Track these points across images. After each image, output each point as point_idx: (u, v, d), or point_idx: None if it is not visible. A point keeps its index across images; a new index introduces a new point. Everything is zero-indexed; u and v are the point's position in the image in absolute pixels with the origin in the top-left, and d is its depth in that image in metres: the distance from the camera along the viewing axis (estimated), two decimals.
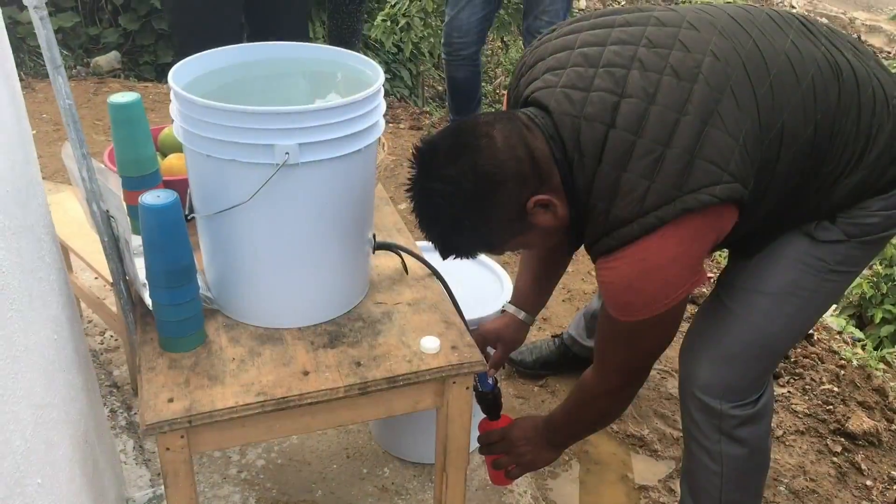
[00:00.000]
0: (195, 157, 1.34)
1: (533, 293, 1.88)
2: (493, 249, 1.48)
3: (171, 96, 1.36)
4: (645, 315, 1.35)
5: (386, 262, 1.64)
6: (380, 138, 1.51)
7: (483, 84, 5.85)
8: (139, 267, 1.41)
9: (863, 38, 8.90)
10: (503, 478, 1.75)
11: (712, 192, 1.25)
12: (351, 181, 1.40)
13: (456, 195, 1.32)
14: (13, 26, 4.51)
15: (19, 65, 4.31)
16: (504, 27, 4.94)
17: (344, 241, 1.43)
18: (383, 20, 4.63)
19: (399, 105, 4.53)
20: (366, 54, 4.89)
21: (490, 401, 1.72)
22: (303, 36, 2.96)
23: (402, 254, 1.63)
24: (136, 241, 1.41)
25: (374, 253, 1.57)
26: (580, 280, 2.79)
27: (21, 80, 4.14)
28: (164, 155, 1.77)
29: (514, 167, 1.32)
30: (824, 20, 10.79)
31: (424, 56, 5.44)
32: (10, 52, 1.32)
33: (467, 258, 1.46)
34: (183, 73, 1.40)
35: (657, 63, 1.31)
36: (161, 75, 4.94)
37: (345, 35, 3.19)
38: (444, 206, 1.34)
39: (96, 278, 2.28)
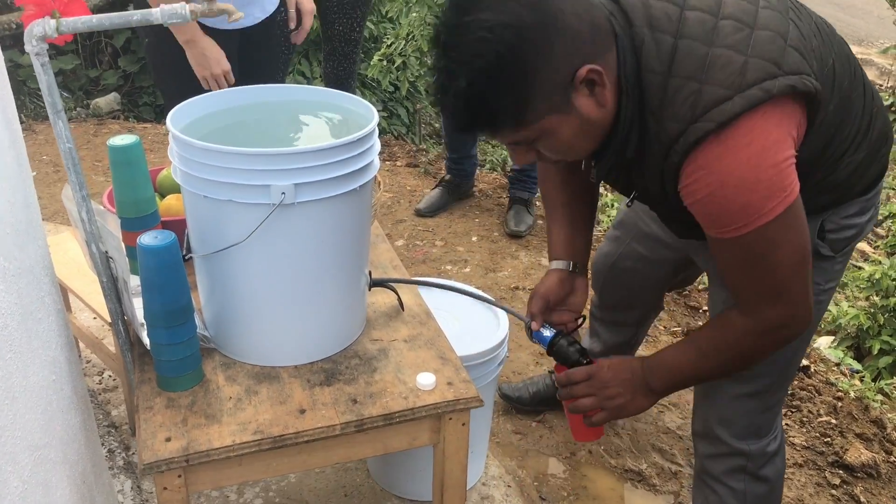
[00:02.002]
0: (193, 198, 1.36)
1: (572, 240, 1.65)
2: (523, 123, 1.21)
3: (170, 138, 1.38)
4: (769, 214, 1.19)
5: (382, 299, 1.65)
6: (376, 177, 1.53)
7: None
8: (137, 307, 1.43)
9: (857, 73, 9.03)
10: (584, 426, 1.56)
11: (809, 80, 1.19)
12: (346, 220, 1.42)
13: (508, 28, 1.12)
14: (14, 69, 4.57)
15: (20, 107, 4.37)
16: None
17: (340, 279, 1.45)
18: (380, 60, 4.68)
19: (396, 143, 4.58)
20: (363, 93, 4.99)
21: (559, 350, 1.55)
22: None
23: (398, 291, 1.64)
24: (135, 282, 1.43)
25: (370, 290, 1.59)
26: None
27: (21, 122, 4.19)
28: (163, 196, 1.80)
29: (575, 21, 1.16)
30: None
31: (421, 94, 5.50)
32: (12, 96, 1.34)
33: (482, 132, 1.27)
34: (181, 115, 1.43)
35: None
36: (160, 116, 4.99)
37: (341, 76, 3.23)
38: (488, 41, 1.12)
39: (95, 318, 2.29)
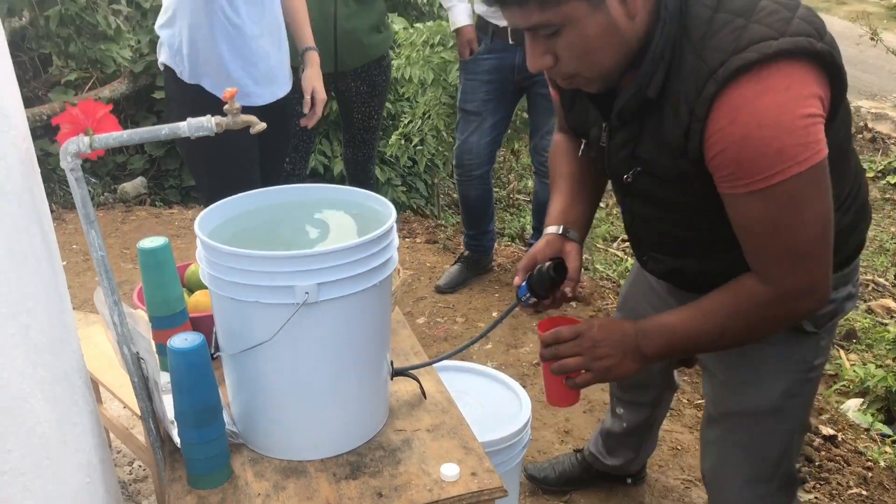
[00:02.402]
0: (220, 300, 1.41)
1: (569, 208, 1.62)
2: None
3: (198, 242, 1.44)
4: (801, 164, 1.17)
5: (404, 388, 1.68)
6: (396, 266, 1.58)
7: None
8: (167, 405, 1.47)
9: (869, 125, 9.07)
10: (563, 390, 1.49)
11: (836, 55, 1.20)
12: (368, 314, 1.46)
13: None
14: (45, 157, 4.71)
15: (50, 193, 4.49)
16: (513, 139, 5.10)
17: (363, 373, 1.49)
18: (398, 138, 4.80)
19: (415, 219, 4.65)
20: (382, 169, 5.09)
21: (532, 281, 1.51)
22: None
23: (420, 379, 1.68)
24: (165, 379, 1.48)
25: (392, 379, 1.62)
26: (600, 390, 2.81)
27: (52, 210, 4.31)
28: (191, 291, 1.85)
29: None
30: None
31: (439, 167, 5.61)
32: (47, 204, 1.41)
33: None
34: (208, 220, 1.49)
35: None
36: (186, 198, 5.11)
37: (360, 161, 3.32)
38: None
39: (124, 408, 2.33)
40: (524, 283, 1.56)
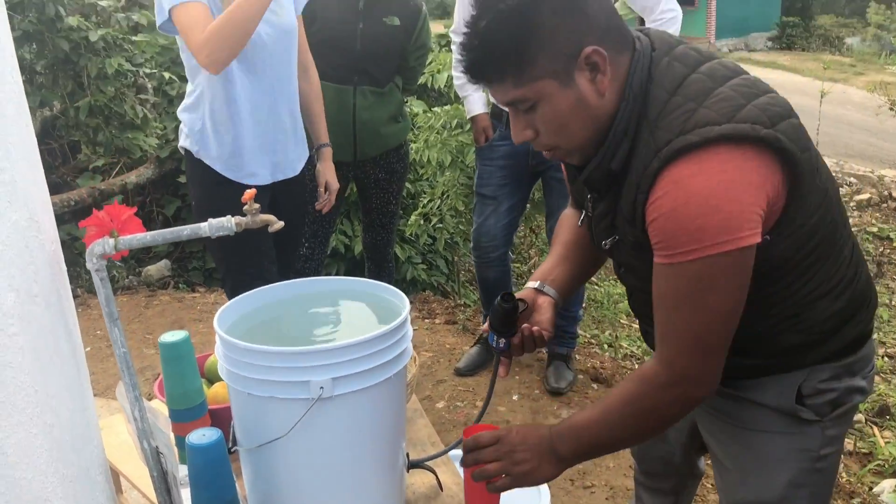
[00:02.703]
0: (237, 395, 1.44)
1: (553, 268, 1.68)
2: (523, 78, 1.28)
3: (216, 338, 1.48)
4: (717, 247, 1.22)
5: (421, 480, 1.69)
6: (412, 354, 1.60)
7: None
8: (186, 498, 1.49)
9: (894, 194, 9.10)
10: (484, 494, 1.49)
11: (794, 147, 1.25)
12: (383, 407, 1.48)
13: None
14: (71, 242, 4.81)
15: (75, 278, 4.57)
16: (533, 217, 5.16)
17: (379, 466, 1.50)
18: (417, 218, 4.87)
19: (434, 299, 4.68)
20: (402, 248, 5.14)
21: (490, 317, 1.57)
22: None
23: (437, 470, 1.68)
24: (183, 472, 1.50)
25: (408, 472, 1.63)
26: (622, 475, 2.78)
27: (77, 295, 4.39)
28: (211, 382, 1.88)
29: (597, 10, 1.28)
30: (853, 180, 11.03)
31: (459, 244, 5.66)
32: (72, 303, 1.46)
33: (487, 75, 1.32)
34: (228, 314, 1.53)
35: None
36: (209, 280, 5.18)
37: (379, 245, 3.38)
38: None
39: (144, 497, 2.34)
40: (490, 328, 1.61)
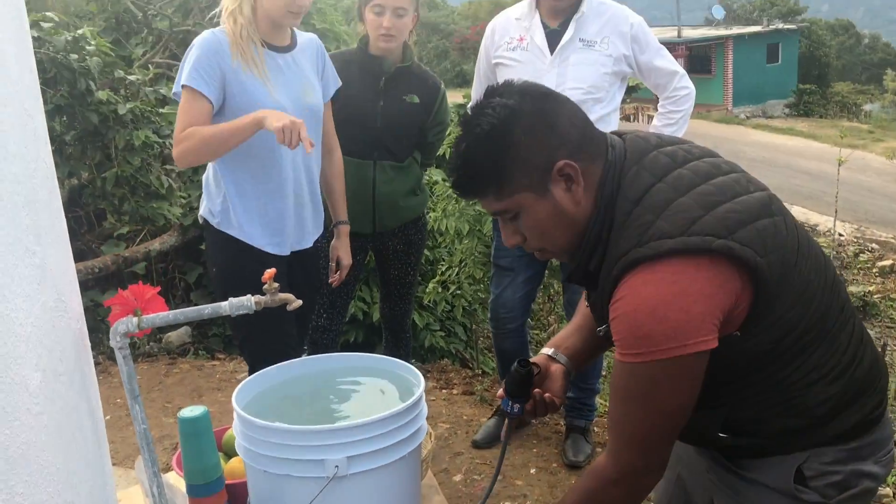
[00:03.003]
0: (254, 472, 1.46)
1: (569, 337, 1.75)
2: (502, 192, 1.40)
3: (234, 415, 1.50)
4: (663, 353, 1.29)
5: None
6: (428, 430, 1.62)
7: (537, 332, 6.05)
8: None
9: None
10: None
11: (752, 254, 1.30)
12: (398, 484, 1.50)
13: (507, 109, 1.37)
14: (94, 308, 4.87)
15: (97, 344, 4.61)
16: (549, 286, 5.19)
17: None
18: (434, 287, 4.91)
19: (452, 368, 4.68)
20: (420, 315, 5.17)
21: (506, 384, 1.64)
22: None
23: None
24: None
25: None
26: None
27: (98, 363, 4.43)
28: (228, 456, 1.90)
29: (567, 124, 1.39)
30: (875, 246, 10.99)
31: (477, 312, 5.68)
32: (95, 380, 1.49)
33: (471, 192, 1.44)
34: (245, 391, 1.56)
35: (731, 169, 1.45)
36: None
37: (397, 315, 3.41)
38: (489, 115, 1.37)
39: None
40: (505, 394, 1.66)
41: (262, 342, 2.53)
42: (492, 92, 1.43)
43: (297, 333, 2.71)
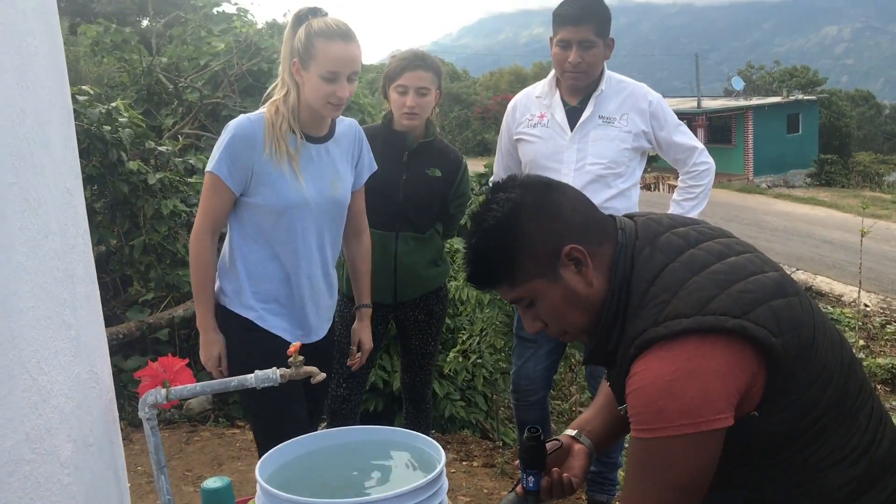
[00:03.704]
0: None
1: (592, 418, 1.76)
2: (515, 280, 1.46)
3: (258, 487, 1.52)
4: (677, 429, 1.31)
5: None
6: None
7: (558, 402, 6.00)
8: None
9: None
10: None
11: (767, 334, 1.32)
12: None
13: (510, 203, 1.44)
14: (117, 374, 4.91)
15: (119, 410, 4.64)
16: (571, 356, 5.17)
17: None
18: (455, 356, 4.91)
19: (472, 439, 4.66)
20: (440, 384, 5.16)
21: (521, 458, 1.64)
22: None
23: None
24: None
25: None
26: None
27: (120, 429, 4.45)
28: None
29: (570, 211, 1.45)
30: None
31: (498, 381, 5.66)
32: (122, 449, 1.52)
33: (486, 283, 1.50)
34: (268, 463, 1.58)
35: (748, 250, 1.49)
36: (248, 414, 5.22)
37: (417, 386, 3.41)
38: (494, 211, 1.44)
39: None
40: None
41: (271, 421, 2.47)
42: (496, 188, 1.50)
43: (311, 414, 2.63)
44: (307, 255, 2.47)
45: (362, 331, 2.80)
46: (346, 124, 2.61)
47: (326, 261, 2.57)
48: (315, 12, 2.39)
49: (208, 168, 2.36)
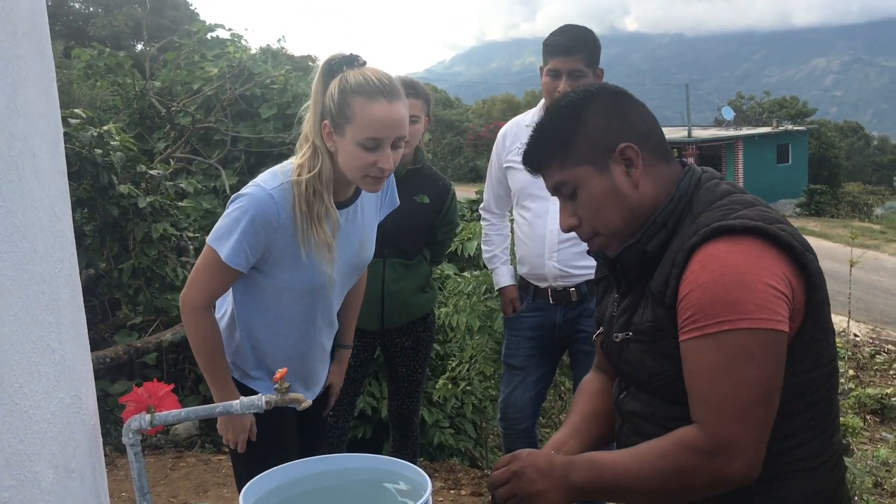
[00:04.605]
0: None
1: (568, 439, 1.68)
2: (566, 161, 1.49)
3: None
4: (753, 322, 1.28)
5: None
6: None
7: (548, 430, 5.98)
8: None
9: None
10: None
11: (815, 265, 1.36)
12: None
13: (587, 93, 1.51)
14: (104, 398, 4.86)
15: (104, 435, 4.59)
16: (560, 384, 5.16)
17: None
18: (444, 383, 4.90)
19: (461, 468, 4.63)
20: (429, 411, 5.13)
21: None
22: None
23: None
24: None
25: None
26: None
27: (105, 454, 4.40)
28: None
29: (637, 119, 1.49)
30: (891, 347, 10.87)
31: (487, 409, 5.64)
32: (105, 476, 1.51)
33: (538, 160, 1.53)
34: (253, 490, 1.56)
35: None
36: None
37: (404, 413, 3.40)
38: (570, 97, 1.51)
39: None
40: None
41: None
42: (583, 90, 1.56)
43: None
44: (312, 320, 2.21)
45: (336, 374, 2.50)
46: None
47: (334, 319, 2.32)
48: (351, 62, 1.97)
49: (215, 247, 1.99)
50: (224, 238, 1.96)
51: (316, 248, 2.01)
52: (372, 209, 2.26)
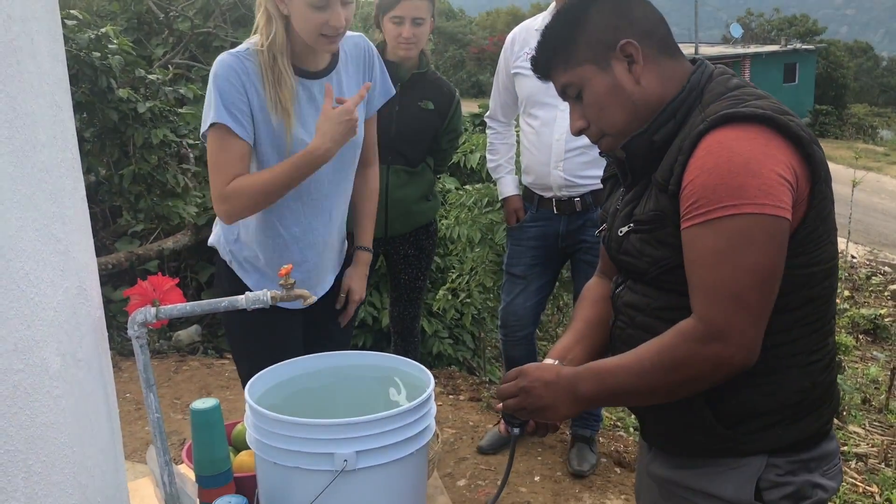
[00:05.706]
0: (264, 464, 1.49)
1: (573, 346, 1.68)
2: (569, 62, 1.50)
3: (246, 407, 1.53)
4: (757, 207, 1.27)
5: None
6: (435, 431, 1.64)
7: (545, 343, 6.05)
8: None
9: None
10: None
11: (823, 159, 1.37)
12: (405, 481, 1.52)
13: None
14: (106, 304, 4.92)
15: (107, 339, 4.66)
16: (560, 295, 5.20)
17: None
18: (444, 294, 4.93)
19: (459, 375, 4.70)
20: (429, 322, 5.19)
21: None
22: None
23: None
24: None
25: None
26: None
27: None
28: (238, 450, 1.92)
29: (641, 16, 1.49)
30: (887, 269, 10.94)
31: (486, 321, 5.70)
32: (111, 368, 1.52)
33: (545, 65, 1.54)
34: (258, 384, 1.59)
35: None
36: None
37: (406, 319, 3.44)
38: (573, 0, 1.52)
39: None
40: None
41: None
42: None
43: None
44: (318, 215, 2.23)
45: (355, 277, 2.44)
46: (352, 43, 2.26)
47: (341, 218, 2.33)
48: None
49: (212, 121, 2.02)
50: (208, 111, 2.04)
51: (282, 111, 2.06)
52: (353, 85, 2.25)
